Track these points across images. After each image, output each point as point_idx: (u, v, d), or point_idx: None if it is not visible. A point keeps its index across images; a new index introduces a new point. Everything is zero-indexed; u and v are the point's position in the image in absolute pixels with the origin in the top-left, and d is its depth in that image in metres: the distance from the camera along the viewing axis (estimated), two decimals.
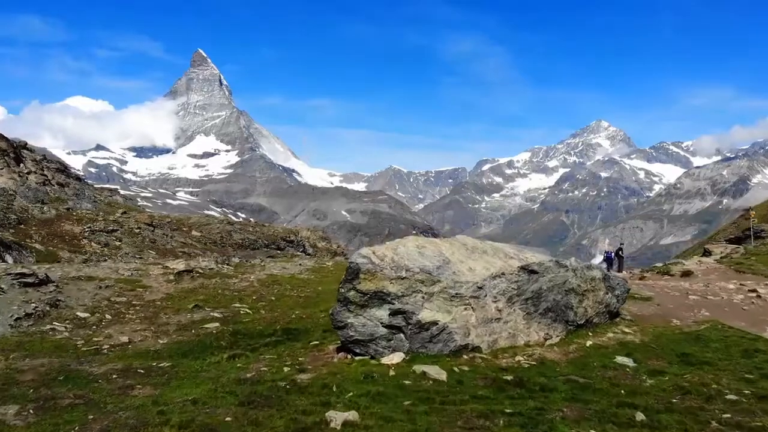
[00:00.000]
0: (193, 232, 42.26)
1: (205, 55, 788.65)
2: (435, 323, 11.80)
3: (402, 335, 11.89)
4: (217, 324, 16.02)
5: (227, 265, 22.43)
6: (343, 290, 12.00)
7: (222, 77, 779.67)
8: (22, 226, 33.02)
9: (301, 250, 54.09)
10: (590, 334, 13.73)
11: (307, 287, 21.85)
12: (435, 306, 11.95)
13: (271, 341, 14.10)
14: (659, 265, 31.37)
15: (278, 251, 49.11)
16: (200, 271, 20.41)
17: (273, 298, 19.53)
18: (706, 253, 36.03)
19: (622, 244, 36.38)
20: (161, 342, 14.50)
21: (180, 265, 20.20)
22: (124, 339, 14.55)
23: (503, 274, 12.92)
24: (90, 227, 35.76)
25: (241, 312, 17.56)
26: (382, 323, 11.84)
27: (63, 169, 51.55)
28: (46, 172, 44.29)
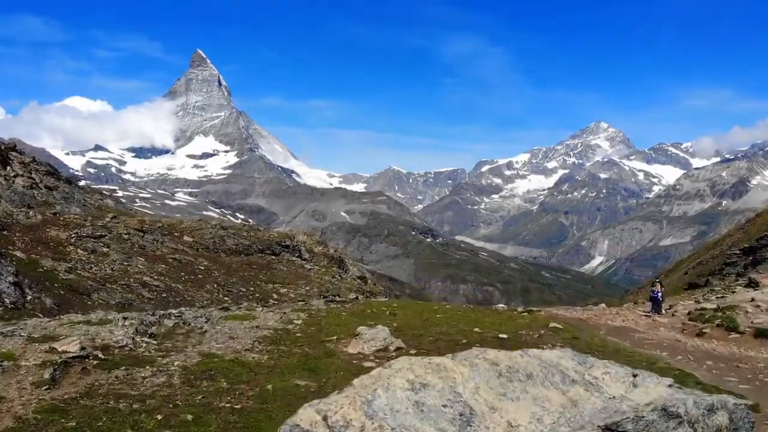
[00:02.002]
0: (185, 238, 41.12)
1: (204, 56, 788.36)
2: None
3: None
4: None
5: (149, 337, 15.12)
6: None
7: (221, 78, 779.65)
8: (5, 232, 31.87)
9: (297, 254, 53.29)
10: None
11: (251, 382, 12.27)
12: None
13: None
14: (709, 307, 23.00)
15: (273, 257, 48.17)
16: (101, 356, 12.68)
17: (189, 418, 11.04)
18: (752, 283, 28.46)
19: (658, 277, 30.33)
20: None
21: (73, 346, 13.62)
22: None
23: None
24: (77, 233, 34.60)
25: None
26: None
27: (53, 171, 50.36)
28: (33, 175, 43.13)
